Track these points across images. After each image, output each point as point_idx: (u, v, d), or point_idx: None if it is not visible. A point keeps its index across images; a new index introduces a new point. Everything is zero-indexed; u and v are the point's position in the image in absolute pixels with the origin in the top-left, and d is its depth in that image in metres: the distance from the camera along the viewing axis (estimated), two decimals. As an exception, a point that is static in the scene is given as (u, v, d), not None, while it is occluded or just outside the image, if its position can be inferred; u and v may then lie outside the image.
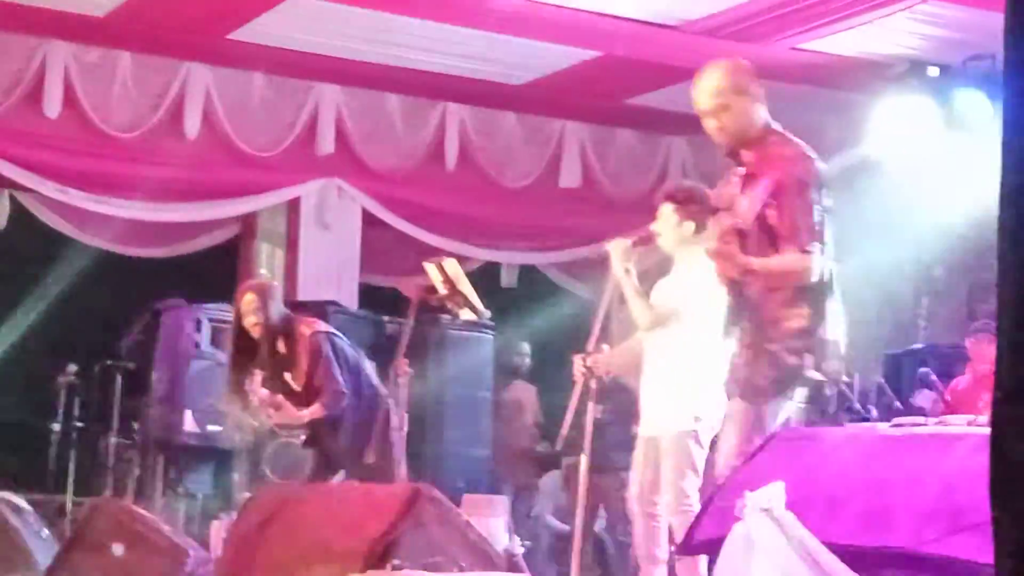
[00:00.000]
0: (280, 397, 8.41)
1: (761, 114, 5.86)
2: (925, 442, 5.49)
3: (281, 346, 8.56)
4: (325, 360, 8.47)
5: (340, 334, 8.85)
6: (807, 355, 5.70)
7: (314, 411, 8.45)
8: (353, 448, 8.43)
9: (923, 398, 9.64)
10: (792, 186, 5.69)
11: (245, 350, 8.53)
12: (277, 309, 8.62)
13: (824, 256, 5.79)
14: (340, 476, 8.43)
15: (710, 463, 6.51)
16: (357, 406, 8.56)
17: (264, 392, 8.40)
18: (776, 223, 5.66)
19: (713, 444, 6.20)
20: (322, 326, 8.75)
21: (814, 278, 5.73)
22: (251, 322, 8.54)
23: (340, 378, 8.50)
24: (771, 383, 5.65)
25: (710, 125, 5.87)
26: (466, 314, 8.44)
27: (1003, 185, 1.81)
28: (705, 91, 5.93)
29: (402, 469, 7.94)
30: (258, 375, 8.40)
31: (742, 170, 5.79)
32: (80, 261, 11.91)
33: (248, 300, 8.63)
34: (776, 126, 5.95)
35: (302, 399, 8.47)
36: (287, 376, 8.55)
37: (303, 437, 8.83)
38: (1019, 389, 1.73)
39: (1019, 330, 1.74)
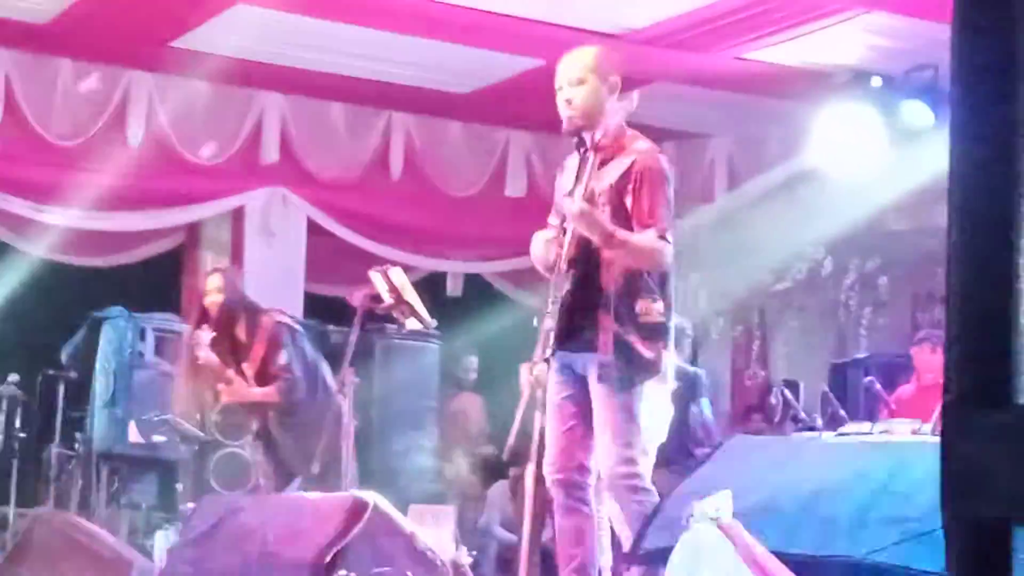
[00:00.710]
0: (231, 372, 8.40)
1: (615, 107, 5.87)
2: (870, 450, 5.52)
3: (240, 332, 8.57)
4: (283, 348, 8.50)
5: (302, 330, 8.86)
6: (663, 349, 5.72)
7: (267, 392, 8.43)
8: (302, 448, 8.39)
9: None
10: (654, 175, 5.76)
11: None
12: (239, 292, 8.65)
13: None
14: (294, 485, 8.38)
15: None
16: (311, 403, 8.56)
17: (213, 357, 8.41)
18: (634, 207, 5.71)
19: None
20: (286, 317, 8.76)
21: (667, 267, 5.80)
22: (212, 300, 8.55)
23: (296, 367, 8.52)
24: (630, 374, 5.64)
25: (561, 99, 5.88)
26: (412, 323, 8.42)
27: (951, 193, 1.81)
28: (566, 63, 5.97)
29: (349, 479, 7.90)
30: (207, 334, 8.41)
31: (589, 156, 5.77)
32: (21, 270, 11.79)
33: (213, 279, 8.67)
34: (625, 124, 5.96)
35: (256, 384, 8.48)
36: (243, 366, 8.54)
37: (251, 434, 8.76)
38: (969, 393, 1.74)
39: (968, 334, 1.75)
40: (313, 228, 12.95)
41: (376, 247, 12.85)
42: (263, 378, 8.58)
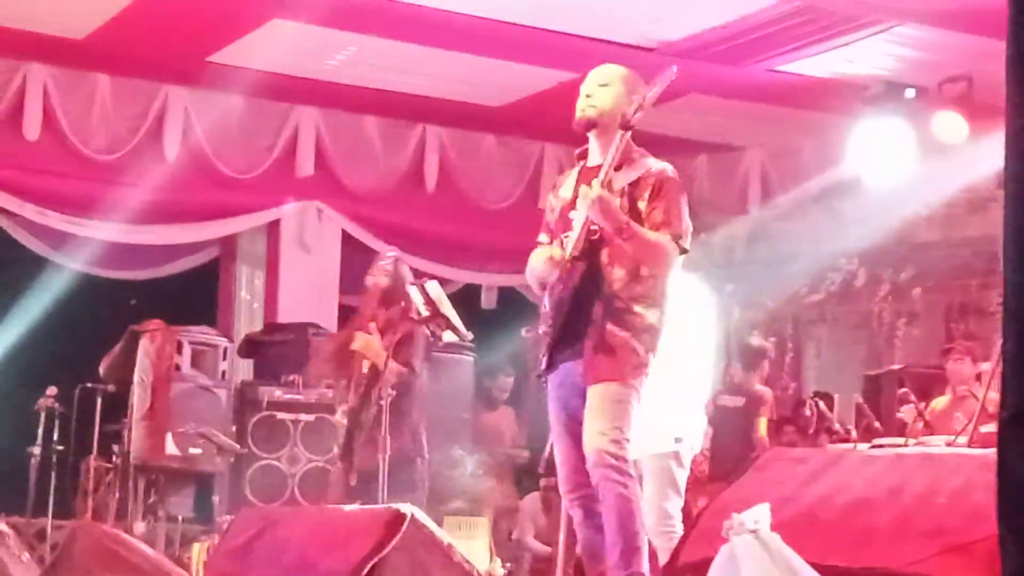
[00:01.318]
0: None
1: (633, 121, 5.91)
2: (906, 463, 5.53)
3: (390, 315, 8.60)
4: (425, 342, 8.57)
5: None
6: (651, 354, 5.76)
7: (391, 371, 8.43)
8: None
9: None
10: (672, 184, 5.84)
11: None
12: (402, 280, 8.69)
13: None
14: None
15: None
16: (409, 402, 8.64)
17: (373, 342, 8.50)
18: (651, 212, 5.77)
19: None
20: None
21: (670, 269, 5.84)
22: (376, 281, 8.62)
23: (416, 364, 8.59)
24: (623, 370, 5.67)
25: (582, 97, 5.93)
26: (448, 336, 8.46)
27: (1007, 209, 1.85)
28: (596, 71, 6.04)
29: (385, 491, 7.93)
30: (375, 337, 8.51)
31: (610, 154, 5.81)
32: (59, 283, 11.88)
33: (384, 262, 8.71)
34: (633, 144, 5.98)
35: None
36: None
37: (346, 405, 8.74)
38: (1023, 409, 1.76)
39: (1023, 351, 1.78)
40: (348, 240, 13.00)
41: (410, 260, 12.89)
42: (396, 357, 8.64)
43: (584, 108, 5.94)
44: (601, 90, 5.96)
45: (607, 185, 5.70)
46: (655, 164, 5.90)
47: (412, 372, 8.59)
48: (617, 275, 5.75)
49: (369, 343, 8.43)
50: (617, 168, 5.81)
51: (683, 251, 5.85)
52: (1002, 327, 1.81)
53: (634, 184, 5.81)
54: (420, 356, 8.69)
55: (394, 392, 8.40)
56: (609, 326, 5.69)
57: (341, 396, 8.93)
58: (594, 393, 5.72)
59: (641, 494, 6.02)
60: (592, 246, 5.77)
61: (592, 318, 5.73)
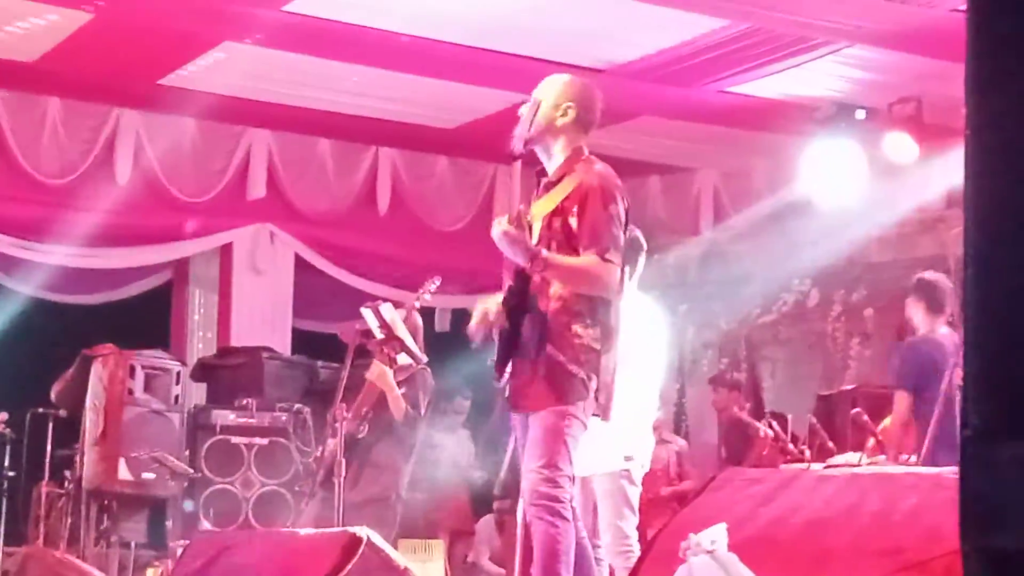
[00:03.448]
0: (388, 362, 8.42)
1: (574, 133, 5.85)
2: (861, 482, 5.55)
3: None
4: (425, 382, 8.55)
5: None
6: (593, 374, 5.62)
7: (398, 401, 8.38)
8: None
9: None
10: (597, 194, 5.64)
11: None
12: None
13: (620, 278, 5.76)
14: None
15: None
16: (406, 434, 8.62)
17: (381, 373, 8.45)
18: (578, 229, 5.62)
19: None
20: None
21: (610, 292, 5.69)
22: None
23: (422, 405, 8.57)
24: (560, 396, 5.60)
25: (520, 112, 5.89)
26: (403, 359, 8.45)
27: (966, 229, 1.85)
28: (547, 82, 5.95)
29: (341, 515, 7.90)
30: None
31: (518, 168, 5.78)
32: (10, 308, 11.81)
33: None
34: (586, 151, 5.87)
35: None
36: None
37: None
38: (985, 427, 1.78)
39: (985, 369, 1.79)
40: (301, 264, 12.98)
41: (363, 283, 12.89)
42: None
43: (518, 133, 5.81)
44: (525, 108, 5.88)
45: (516, 219, 5.57)
46: (587, 175, 5.72)
47: (417, 414, 8.57)
48: (554, 295, 5.65)
49: (384, 374, 8.40)
50: (558, 181, 5.76)
51: (617, 264, 5.66)
52: (963, 346, 1.82)
53: (566, 198, 5.68)
54: (425, 399, 8.67)
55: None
56: (548, 350, 5.58)
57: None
58: (532, 423, 5.62)
59: (581, 527, 5.96)
60: (526, 272, 5.68)
61: (527, 342, 5.64)
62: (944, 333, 8.53)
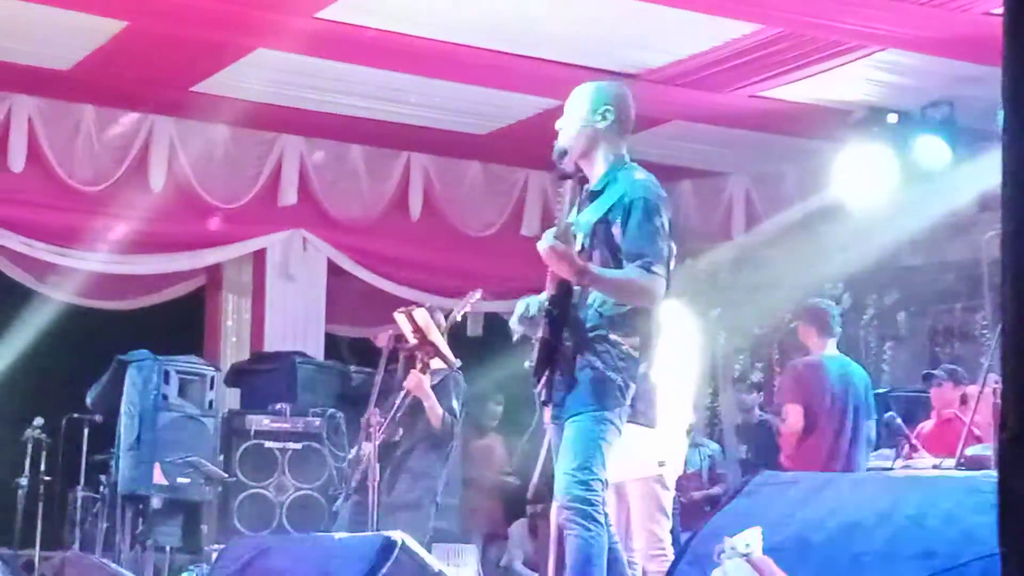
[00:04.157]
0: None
1: (617, 141, 5.83)
2: (895, 485, 5.56)
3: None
4: (454, 393, 8.55)
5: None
6: (631, 382, 5.61)
7: (439, 414, 8.41)
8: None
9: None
10: (642, 207, 5.62)
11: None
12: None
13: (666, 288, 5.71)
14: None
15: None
16: (445, 443, 8.64)
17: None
18: (623, 240, 5.60)
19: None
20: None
21: (655, 302, 5.68)
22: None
23: (457, 410, 8.58)
24: (597, 402, 5.59)
25: (557, 125, 5.88)
26: (436, 364, 8.47)
27: (1004, 233, 1.86)
28: (583, 90, 5.93)
29: (375, 519, 7.93)
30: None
31: (566, 189, 5.74)
32: (45, 314, 11.88)
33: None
34: (628, 159, 5.86)
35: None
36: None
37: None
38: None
39: (1022, 373, 1.80)
40: (333, 269, 13.02)
41: (395, 288, 12.91)
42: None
43: (559, 145, 5.78)
44: (562, 120, 5.84)
45: (564, 233, 5.52)
46: (631, 185, 5.70)
47: (455, 418, 8.60)
48: (593, 305, 5.64)
49: (421, 383, 8.42)
50: (602, 190, 5.74)
51: (662, 276, 5.63)
52: (1001, 347, 1.83)
53: (610, 209, 5.66)
54: (460, 404, 8.69)
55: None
56: (586, 356, 5.57)
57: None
58: (568, 428, 5.61)
59: (613, 532, 5.94)
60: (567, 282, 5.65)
61: (567, 350, 5.61)
62: (831, 355, 9.25)
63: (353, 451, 8.80)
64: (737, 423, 11.90)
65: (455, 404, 8.56)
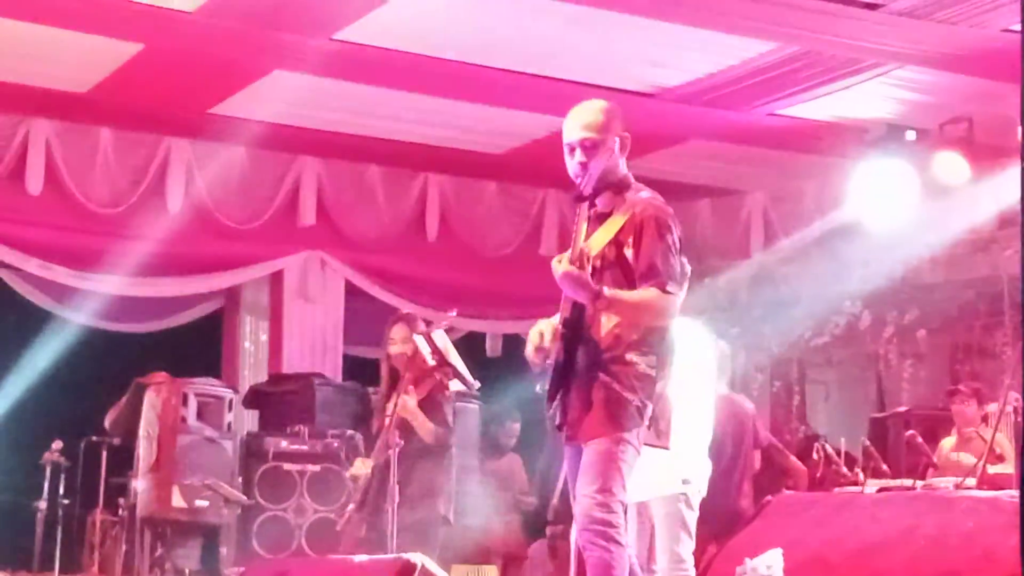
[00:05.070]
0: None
1: (621, 161, 5.81)
2: (917, 505, 5.53)
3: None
4: (448, 397, 8.51)
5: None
6: (647, 401, 5.56)
7: (426, 427, 8.38)
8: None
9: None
10: (653, 226, 5.59)
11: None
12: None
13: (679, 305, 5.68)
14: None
15: None
16: (443, 455, 8.58)
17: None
18: (635, 262, 5.58)
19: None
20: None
21: (669, 323, 5.65)
22: (396, 351, 8.53)
23: (450, 422, 8.54)
24: (614, 422, 5.56)
25: (574, 158, 5.84)
26: (455, 385, 8.43)
27: None
28: (577, 124, 5.89)
29: (394, 541, 7.91)
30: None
31: (581, 213, 5.71)
32: (64, 337, 11.89)
33: (397, 329, 8.61)
34: (632, 178, 5.81)
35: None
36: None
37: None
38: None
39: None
40: (351, 290, 13.02)
41: (414, 308, 12.90)
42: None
43: (576, 173, 5.72)
44: (591, 153, 5.70)
45: (579, 258, 5.48)
46: (640, 204, 5.67)
47: (449, 429, 8.56)
48: (607, 326, 5.59)
49: (405, 404, 8.39)
50: (610, 212, 5.74)
51: (676, 294, 5.59)
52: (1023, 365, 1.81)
53: (621, 230, 5.63)
54: (451, 413, 8.66)
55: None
56: (602, 378, 5.52)
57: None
58: (587, 450, 5.57)
59: (633, 552, 5.91)
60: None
61: (582, 371, 5.57)
62: (724, 394, 9.02)
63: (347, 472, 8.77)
64: None
65: (447, 414, 8.53)
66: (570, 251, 5.53)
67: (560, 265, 5.51)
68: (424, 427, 8.33)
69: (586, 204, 5.67)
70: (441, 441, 8.45)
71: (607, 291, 5.50)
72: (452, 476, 8.76)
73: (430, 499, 8.46)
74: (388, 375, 8.62)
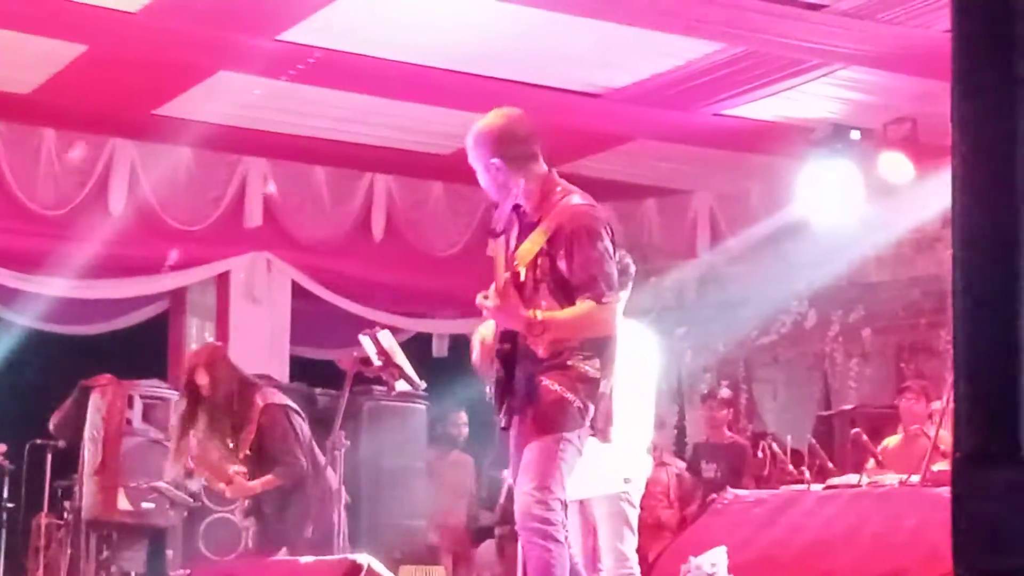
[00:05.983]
0: (231, 472, 8.28)
1: (528, 166, 5.76)
2: (862, 503, 5.55)
3: (233, 412, 8.40)
4: (284, 433, 8.37)
5: (297, 408, 8.75)
6: (589, 402, 5.55)
7: (267, 482, 8.31)
8: (297, 523, 8.31)
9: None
10: (584, 236, 5.53)
11: (194, 412, 8.41)
12: (229, 371, 8.49)
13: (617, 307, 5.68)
14: (283, 553, 8.29)
15: None
16: (315, 481, 8.45)
17: (215, 456, 8.30)
18: (568, 274, 5.51)
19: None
20: (280, 398, 8.65)
21: (611, 330, 5.62)
22: (202, 382, 8.41)
23: (300, 453, 8.41)
24: (556, 421, 5.52)
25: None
26: (402, 385, 8.40)
27: (954, 250, 1.86)
28: (468, 146, 5.87)
29: (342, 541, 7.88)
30: (194, 441, 8.29)
31: (501, 237, 5.67)
32: (8, 340, 11.80)
33: (196, 359, 8.53)
34: (556, 176, 5.76)
35: (248, 466, 8.34)
36: (229, 442, 8.40)
37: (244, 505, 8.65)
38: (978, 450, 1.77)
39: (976, 392, 1.79)
40: (298, 291, 12.97)
41: (360, 309, 12.88)
42: (260, 458, 8.41)
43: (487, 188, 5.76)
44: (481, 176, 5.80)
45: (503, 290, 5.38)
46: (567, 213, 5.59)
47: (300, 467, 8.45)
48: (547, 338, 5.50)
49: (244, 488, 8.39)
50: (538, 221, 5.64)
51: (615, 302, 5.59)
52: (953, 365, 1.82)
53: (550, 241, 5.55)
54: (295, 442, 8.51)
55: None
56: (544, 380, 5.50)
57: None
58: (527, 449, 5.56)
59: (576, 550, 5.91)
60: None
61: (526, 375, 5.56)
62: None
63: None
64: (704, 441, 11.90)
65: (294, 448, 8.44)
66: (493, 286, 5.45)
67: (488, 301, 5.46)
68: (272, 483, 8.28)
69: (501, 239, 5.59)
70: (295, 477, 8.36)
71: (540, 315, 5.43)
72: (315, 503, 8.57)
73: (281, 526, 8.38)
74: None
